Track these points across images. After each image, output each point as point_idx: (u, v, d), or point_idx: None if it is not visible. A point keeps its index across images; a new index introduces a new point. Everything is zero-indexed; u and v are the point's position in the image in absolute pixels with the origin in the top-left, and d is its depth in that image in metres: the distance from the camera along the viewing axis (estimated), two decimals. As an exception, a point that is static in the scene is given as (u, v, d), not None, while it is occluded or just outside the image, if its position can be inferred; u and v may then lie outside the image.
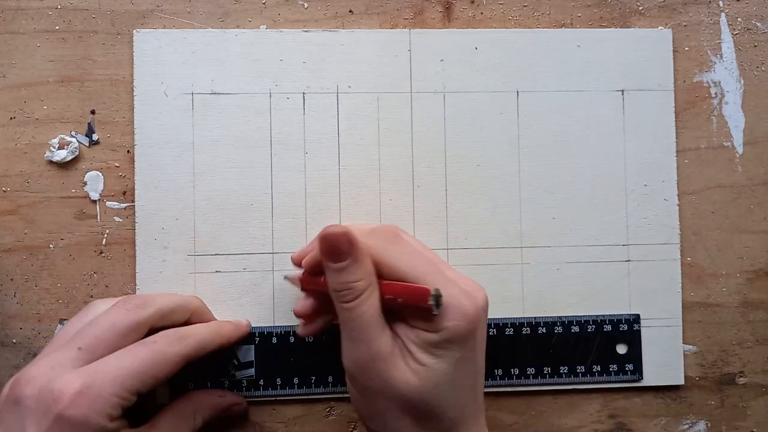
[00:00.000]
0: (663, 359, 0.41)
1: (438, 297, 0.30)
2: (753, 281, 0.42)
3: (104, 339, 0.31)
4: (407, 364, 0.31)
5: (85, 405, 0.28)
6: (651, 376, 0.41)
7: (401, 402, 0.31)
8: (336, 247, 0.31)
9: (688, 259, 0.42)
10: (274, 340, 0.39)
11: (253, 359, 0.39)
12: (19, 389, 0.30)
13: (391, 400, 0.31)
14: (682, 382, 0.41)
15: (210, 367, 0.39)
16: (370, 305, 0.31)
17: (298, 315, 0.35)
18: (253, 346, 0.39)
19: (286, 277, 0.38)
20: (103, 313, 0.33)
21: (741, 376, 0.42)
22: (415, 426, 0.32)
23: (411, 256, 0.32)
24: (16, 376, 0.31)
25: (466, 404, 0.32)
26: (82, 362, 0.31)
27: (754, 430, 0.42)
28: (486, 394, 0.40)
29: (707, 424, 0.42)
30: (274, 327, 0.39)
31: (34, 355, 0.39)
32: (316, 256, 0.33)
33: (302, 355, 0.39)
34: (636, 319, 0.41)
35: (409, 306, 0.31)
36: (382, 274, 0.32)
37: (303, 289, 0.36)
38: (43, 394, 0.29)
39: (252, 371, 0.39)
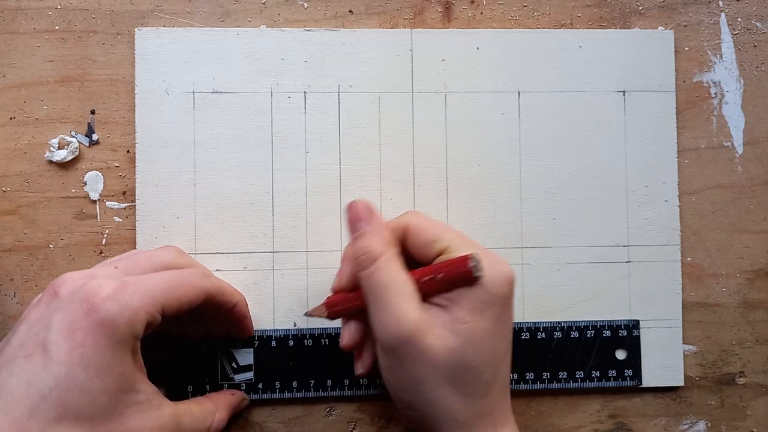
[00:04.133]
0: (663, 361, 0.41)
1: (478, 261, 0.31)
2: (753, 281, 0.42)
3: (140, 265, 0.33)
4: (446, 327, 0.32)
5: (116, 308, 0.29)
6: (651, 377, 0.41)
7: (438, 368, 0.31)
8: (357, 215, 0.34)
9: (688, 259, 0.42)
10: (273, 343, 0.39)
11: (252, 363, 0.39)
12: (52, 289, 0.31)
13: (427, 366, 0.31)
14: (681, 383, 0.41)
15: (209, 370, 0.39)
16: (387, 272, 0.32)
17: (347, 348, 0.35)
18: (252, 349, 0.39)
19: (307, 313, 0.37)
20: (143, 251, 0.35)
21: (741, 376, 0.42)
22: (452, 393, 0.32)
23: (442, 226, 0.35)
24: (52, 282, 0.31)
25: (499, 371, 0.33)
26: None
27: (754, 430, 0.42)
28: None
29: (707, 424, 0.42)
30: (273, 330, 0.39)
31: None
32: (346, 270, 0.35)
33: (301, 359, 0.39)
34: (635, 324, 0.41)
35: (450, 279, 0.31)
36: (419, 241, 0.34)
37: (329, 314, 0.35)
38: (76, 291, 0.30)
39: (251, 374, 0.39)
